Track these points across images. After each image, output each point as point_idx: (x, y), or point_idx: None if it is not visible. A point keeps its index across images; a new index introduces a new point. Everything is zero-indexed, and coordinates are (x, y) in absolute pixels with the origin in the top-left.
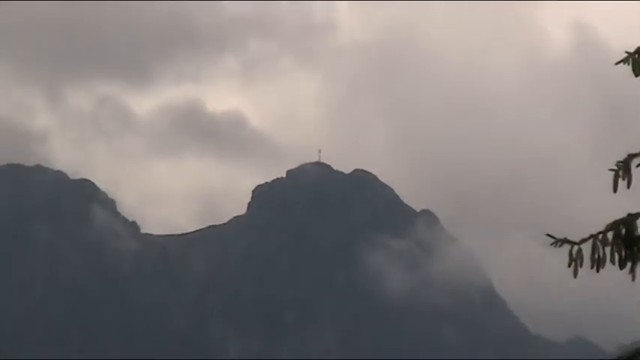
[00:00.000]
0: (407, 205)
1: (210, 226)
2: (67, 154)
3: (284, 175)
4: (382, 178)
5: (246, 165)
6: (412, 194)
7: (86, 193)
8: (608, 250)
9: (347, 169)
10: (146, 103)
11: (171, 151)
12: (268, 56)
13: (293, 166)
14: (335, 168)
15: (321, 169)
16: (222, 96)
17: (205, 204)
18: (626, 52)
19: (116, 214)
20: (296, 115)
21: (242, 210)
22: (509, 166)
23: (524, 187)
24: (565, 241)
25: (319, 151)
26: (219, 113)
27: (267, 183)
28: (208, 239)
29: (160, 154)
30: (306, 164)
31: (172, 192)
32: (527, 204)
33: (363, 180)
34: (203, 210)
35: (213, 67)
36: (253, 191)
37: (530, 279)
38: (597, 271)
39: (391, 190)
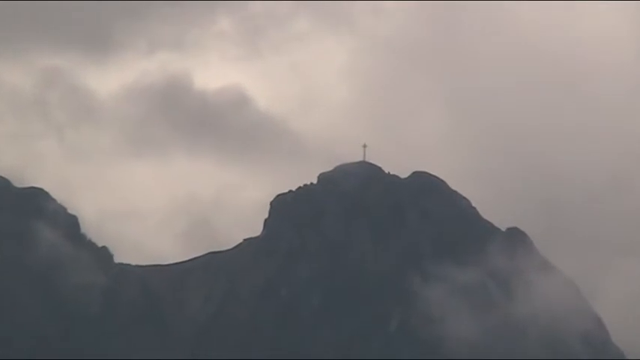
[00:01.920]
0: (487, 222)
1: (210, 253)
2: (6, 154)
3: (314, 181)
4: (453, 185)
5: (258, 165)
6: (491, 207)
7: (35, 206)
8: None
9: (403, 172)
10: (110, 80)
11: (148, 147)
12: (276, 15)
13: (326, 167)
14: (386, 170)
15: (367, 171)
16: (214, 69)
17: (201, 222)
18: None
19: (78, 237)
20: (319, 95)
21: (256, 230)
22: (616, 167)
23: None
24: None
25: (364, 146)
26: (213, 91)
27: (290, 192)
28: (209, 271)
29: (133, 151)
30: (345, 164)
31: (154, 205)
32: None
33: (426, 186)
34: (198, 230)
35: (201, 30)
36: (272, 203)
37: None
38: None
39: (467, 201)
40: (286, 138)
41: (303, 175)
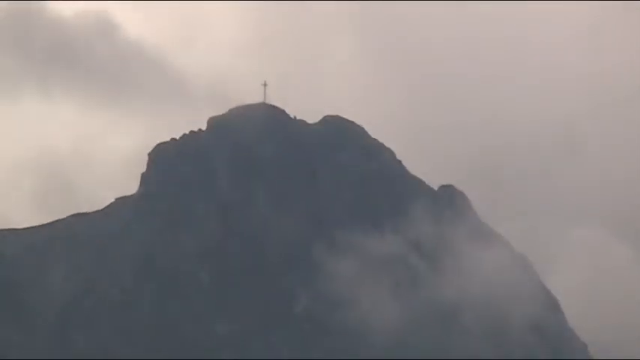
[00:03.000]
0: (415, 178)
1: (74, 216)
2: None
3: (203, 127)
4: (374, 134)
5: (130, 108)
6: (420, 161)
7: None
8: None
9: (311, 117)
10: None
11: None
12: None
13: (217, 110)
14: (291, 114)
15: (267, 114)
16: None
17: (60, 178)
18: None
19: None
20: (206, 24)
21: (130, 188)
22: (568, 123)
23: (588, 151)
24: None
25: (264, 84)
26: (71, 16)
27: (173, 140)
28: (73, 237)
29: None
30: (240, 107)
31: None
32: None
33: (340, 135)
34: (57, 188)
35: None
36: (150, 154)
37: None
38: None
39: (390, 153)
40: (166, 74)
41: (190, 120)
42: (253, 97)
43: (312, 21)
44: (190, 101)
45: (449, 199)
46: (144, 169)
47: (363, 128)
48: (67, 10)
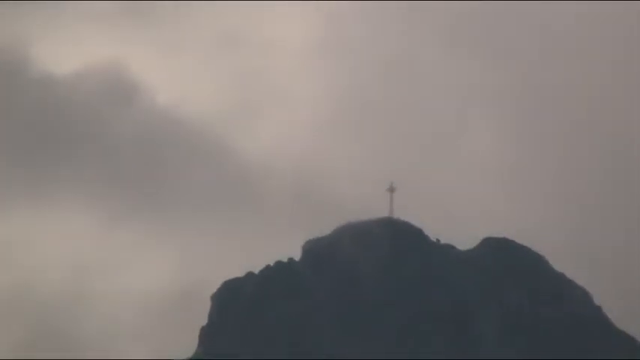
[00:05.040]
0: None
1: None
2: None
3: (293, 254)
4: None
5: (162, 221)
6: None
7: None
8: None
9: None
10: None
11: None
12: None
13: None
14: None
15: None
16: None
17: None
18: None
19: None
20: (267, 88)
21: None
22: None
23: None
24: None
25: (390, 189)
26: (68, 74)
27: (249, 275)
28: None
29: None
30: (354, 223)
31: None
32: None
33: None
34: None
35: None
36: (214, 298)
37: None
38: None
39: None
40: (219, 164)
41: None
42: (369, 204)
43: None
44: (264, 207)
45: None
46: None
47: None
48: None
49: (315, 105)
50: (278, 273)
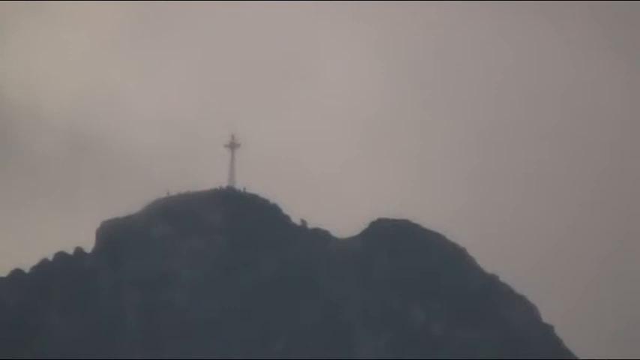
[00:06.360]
0: None
1: None
2: None
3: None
4: None
5: None
6: None
7: None
8: None
9: None
10: None
11: None
12: None
13: None
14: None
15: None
16: None
17: None
18: None
19: None
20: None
21: None
22: None
23: None
24: None
25: (232, 141)
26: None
27: None
28: None
29: None
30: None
31: None
32: None
33: None
34: None
35: None
36: None
37: None
38: None
39: None
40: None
41: None
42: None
43: None
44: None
45: None
46: None
47: None
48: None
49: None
50: (60, 270)
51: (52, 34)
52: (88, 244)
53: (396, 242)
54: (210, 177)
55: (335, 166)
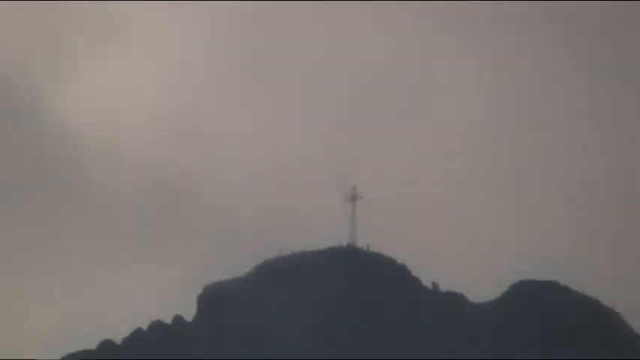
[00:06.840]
0: None
1: None
2: None
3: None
4: None
5: None
6: None
7: None
8: None
9: None
10: None
11: None
12: None
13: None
14: None
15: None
16: None
17: None
18: None
19: None
20: None
21: None
22: None
23: None
24: None
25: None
26: None
27: None
28: None
29: None
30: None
31: None
32: None
33: None
34: None
35: None
36: None
37: None
38: None
39: None
40: None
41: None
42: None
43: None
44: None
45: None
46: None
47: None
48: None
49: None
50: (154, 341)
51: (127, 65)
52: (186, 309)
53: (541, 305)
54: (327, 233)
55: (471, 219)
